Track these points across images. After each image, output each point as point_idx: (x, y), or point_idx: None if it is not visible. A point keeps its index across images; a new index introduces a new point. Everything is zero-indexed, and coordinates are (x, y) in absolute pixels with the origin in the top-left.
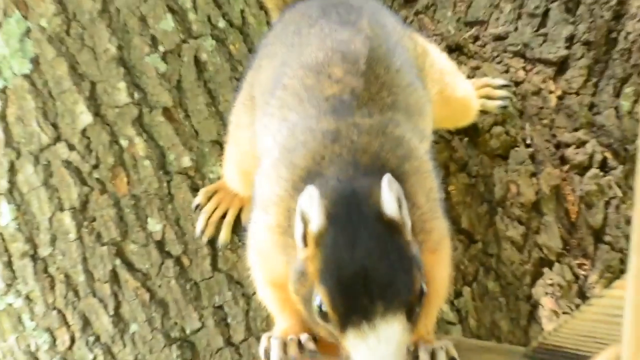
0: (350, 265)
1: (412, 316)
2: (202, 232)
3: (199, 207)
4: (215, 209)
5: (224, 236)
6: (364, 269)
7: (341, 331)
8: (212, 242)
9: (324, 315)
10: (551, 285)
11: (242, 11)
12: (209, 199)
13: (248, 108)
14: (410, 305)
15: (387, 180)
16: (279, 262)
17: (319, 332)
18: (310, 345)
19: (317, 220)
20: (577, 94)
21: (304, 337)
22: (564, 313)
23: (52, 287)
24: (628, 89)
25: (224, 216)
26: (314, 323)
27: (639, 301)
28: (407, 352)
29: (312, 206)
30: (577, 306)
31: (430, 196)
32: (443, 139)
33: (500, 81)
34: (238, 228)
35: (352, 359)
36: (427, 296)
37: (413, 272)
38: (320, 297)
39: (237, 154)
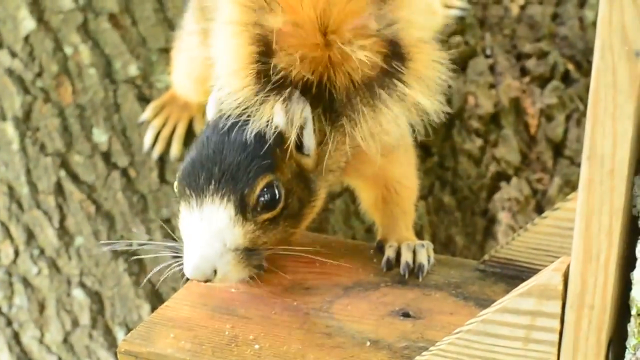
0: (206, 148)
1: (244, 212)
2: (151, 147)
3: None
4: (165, 124)
5: (175, 150)
6: (213, 158)
7: (179, 201)
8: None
9: None
10: (508, 199)
11: None
12: (157, 114)
13: (199, 14)
14: (244, 201)
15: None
16: None
17: None
18: None
19: (209, 113)
20: (540, 3)
21: None
22: (520, 228)
23: None
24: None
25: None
26: None
27: (589, 211)
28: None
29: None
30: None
31: None
32: None
33: None
34: (189, 140)
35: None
36: (395, 194)
37: (259, 177)
38: None
39: (186, 60)
